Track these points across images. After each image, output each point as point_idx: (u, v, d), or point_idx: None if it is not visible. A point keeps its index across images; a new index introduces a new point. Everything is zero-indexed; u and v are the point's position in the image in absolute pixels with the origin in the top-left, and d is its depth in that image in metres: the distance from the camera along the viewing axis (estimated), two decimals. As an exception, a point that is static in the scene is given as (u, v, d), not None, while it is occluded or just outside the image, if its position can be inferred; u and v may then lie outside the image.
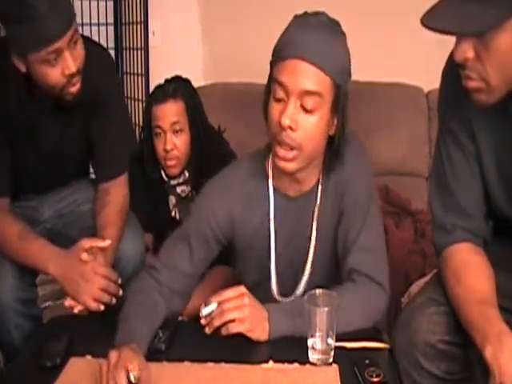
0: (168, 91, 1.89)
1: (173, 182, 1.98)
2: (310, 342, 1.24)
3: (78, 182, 1.85)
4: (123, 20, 2.79)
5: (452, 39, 1.11)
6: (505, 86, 1.11)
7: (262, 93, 1.32)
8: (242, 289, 1.31)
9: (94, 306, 1.45)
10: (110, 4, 2.78)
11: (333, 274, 1.43)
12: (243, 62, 2.73)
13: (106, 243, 1.54)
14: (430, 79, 2.16)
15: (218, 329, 1.29)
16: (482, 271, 1.23)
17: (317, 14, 1.27)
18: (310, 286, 1.39)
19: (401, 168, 2.65)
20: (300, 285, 1.43)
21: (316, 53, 1.22)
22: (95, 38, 2.38)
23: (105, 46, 1.87)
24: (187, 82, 1.98)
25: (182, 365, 1.23)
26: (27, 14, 1.36)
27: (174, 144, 1.89)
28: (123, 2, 2.75)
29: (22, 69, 1.46)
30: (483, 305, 1.15)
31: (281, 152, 1.27)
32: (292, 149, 1.27)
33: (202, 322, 1.31)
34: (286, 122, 1.23)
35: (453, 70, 1.17)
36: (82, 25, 2.33)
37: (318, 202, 1.39)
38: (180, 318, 1.60)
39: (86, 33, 2.38)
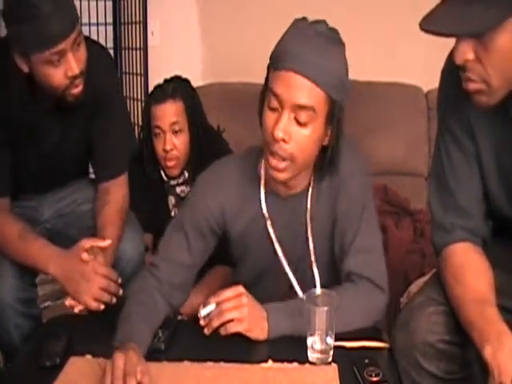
0: (167, 91, 1.89)
1: (172, 183, 1.98)
2: (309, 341, 1.24)
3: (77, 182, 1.85)
4: (122, 20, 2.79)
5: (451, 39, 1.11)
6: (505, 87, 1.11)
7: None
8: (241, 288, 1.31)
9: (94, 305, 1.45)
10: (109, 4, 2.78)
11: (330, 275, 1.43)
12: (242, 61, 2.73)
13: (106, 243, 1.54)
14: (429, 79, 2.16)
15: (218, 329, 1.29)
16: (481, 271, 1.23)
17: (316, 22, 1.25)
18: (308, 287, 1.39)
19: (400, 168, 2.65)
20: (316, 286, 1.41)
21: (311, 66, 1.20)
22: (94, 38, 2.37)
23: (104, 45, 1.87)
24: (186, 81, 1.98)
25: (182, 364, 1.24)
26: (30, 13, 1.36)
27: (174, 144, 1.89)
28: (122, 2, 2.76)
29: (25, 69, 1.46)
30: (482, 304, 1.16)
31: (273, 162, 1.28)
32: (284, 160, 1.27)
33: (201, 322, 1.31)
34: (279, 134, 1.23)
35: (452, 70, 1.17)
36: (81, 25, 2.33)
37: (309, 205, 1.39)
38: (179, 318, 1.60)
39: (85, 33, 2.35)
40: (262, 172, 1.39)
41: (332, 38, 1.25)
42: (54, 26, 1.38)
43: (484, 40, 1.05)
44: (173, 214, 2.00)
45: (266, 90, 1.28)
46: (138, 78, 2.67)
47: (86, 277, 1.46)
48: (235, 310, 1.28)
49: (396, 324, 1.29)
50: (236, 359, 1.24)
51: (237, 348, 1.27)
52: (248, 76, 2.56)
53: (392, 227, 2.21)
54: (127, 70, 2.79)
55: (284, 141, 1.24)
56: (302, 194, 1.39)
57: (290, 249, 1.42)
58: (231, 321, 1.28)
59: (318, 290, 1.27)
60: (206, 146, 1.93)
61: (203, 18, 2.91)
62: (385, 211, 2.33)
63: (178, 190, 1.98)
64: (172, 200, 2.00)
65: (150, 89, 2.04)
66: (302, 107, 1.22)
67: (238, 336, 1.28)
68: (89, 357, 1.25)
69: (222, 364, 1.23)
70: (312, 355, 1.24)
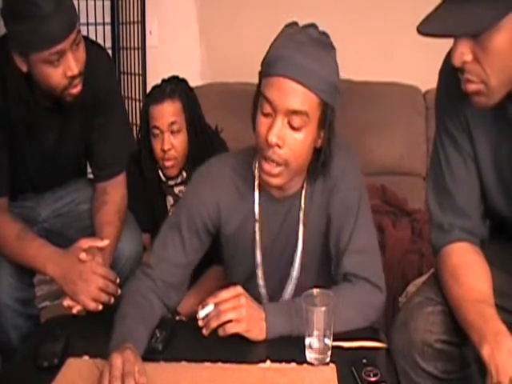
0: (165, 91, 1.89)
1: (170, 183, 1.98)
2: (307, 341, 1.24)
3: (76, 182, 1.85)
4: (120, 19, 2.79)
5: (449, 39, 1.11)
6: (504, 87, 1.11)
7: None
8: (239, 289, 1.31)
9: (92, 305, 1.44)
10: (107, 3, 2.78)
11: (321, 278, 1.42)
12: (241, 61, 2.73)
13: (104, 243, 1.54)
14: (427, 79, 2.16)
15: (216, 330, 1.29)
16: (479, 271, 1.23)
17: (306, 26, 1.26)
18: (297, 290, 1.40)
19: (398, 168, 2.65)
20: (287, 288, 1.43)
21: (304, 72, 1.21)
22: (92, 38, 2.37)
23: (102, 45, 1.87)
24: (184, 82, 1.98)
25: (180, 365, 1.23)
26: (31, 12, 1.35)
27: (172, 144, 1.89)
28: (120, 2, 2.75)
29: (24, 68, 1.46)
30: (480, 304, 1.16)
31: (266, 167, 1.28)
32: (278, 165, 1.27)
33: (200, 324, 1.30)
34: (272, 139, 1.24)
35: (450, 71, 1.17)
36: (80, 24, 2.33)
37: (303, 206, 1.39)
38: (177, 318, 1.60)
39: (83, 32, 2.34)
40: (257, 172, 1.39)
41: (323, 42, 1.25)
42: (55, 26, 1.38)
43: (481, 40, 1.06)
44: (171, 214, 2.00)
45: (258, 95, 1.28)
46: (137, 77, 2.67)
47: (84, 277, 1.46)
48: (233, 310, 1.28)
49: (394, 324, 1.29)
50: (234, 359, 1.24)
51: (235, 348, 1.27)
52: (246, 76, 2.54)
53: (390, 227, 2.21)
54: (125, 70, 2.79)
55: (278, 146, 1.25)
56: (296, 196, 1.40)
57: (279, 253, 1.42)
58: (229, 322, 1.27)
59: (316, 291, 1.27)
60: (204, 146, 1.93)
61: (201, 17, 2.91)
62: (383, 211, 2.33)
63: (176, 190, 1.98)
64: (170, 200, 2.00)
65: (149, 89, 2.03)
66: (295, 112, 1.23)
67: (236, 336, 1.27)
68: (86, 357, 1.25)
69: (220, 364, 1.23)
70: (310, 355, 1.24)
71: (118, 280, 1.50)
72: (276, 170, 1.28)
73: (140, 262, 1.68)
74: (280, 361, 1.24)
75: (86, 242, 1.51)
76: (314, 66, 1.22)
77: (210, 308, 1.29)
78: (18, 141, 1.62)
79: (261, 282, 1.45)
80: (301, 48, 1.22)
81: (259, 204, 1.40)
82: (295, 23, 1.28)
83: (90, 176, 1.89)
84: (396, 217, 2.34)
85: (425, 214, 2.14)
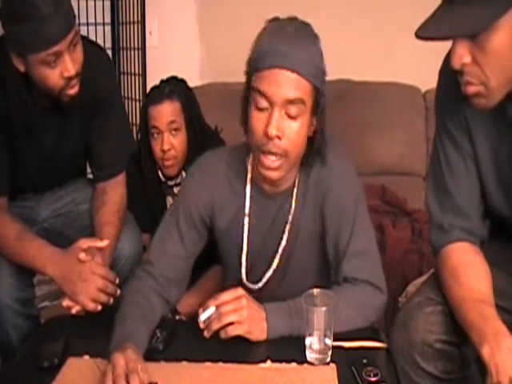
0: (164, 92, 1.89)
1: (170, 183, 1.98)
2: (307, 341, 1.24)
3: (75, 182, 1.85)
4: (120, 20, 2.79)
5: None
6: (504, 88, 1.11)
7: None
8: (240, 291, 1.31)
9: (91, 306, 1.44)
10: (107, 4, 2.78)
11: (313, 276, 1.43)
12: (241, 61, 2.71)
13: (104, 243, 1.54)
14: (427, 79, 2.16)
15: (217, 332, 1.29)
16: (479, 271, 1.23)
17: (289, 19, 1.28)
18: (287, 287, 1.40)
19: (398, 167, 2.65)
20: (267, 273, 1.42)
21: (294, 60, 1.22)
22: (92, 38, 2.37)
23: (102, 45, 1.87)
24: (183, 82, 1.98)
25: (180, 365, 1.24)
26: (30, 14, 1.35)
27: (171, 144, 1.89)
28: (120, 2, 2.75)
29: (21, 68, 1.46)
30: (480, 304, 1.16)
31: (267, 162, 1.28)
32: (278, 157, 1.27)
33: (201, 326, 1.30)
34: (273, 132, 1.24)
35: (450, 71, 1.17)
36: (79, 25, 2.33)
37: (294, 201, 1.39)
38: (177, 318, 1.60)
39: (83, 32, 2.35)
40: (249, 167, 1.39)
41: (307, 32, 1.27)
42: (52, 27, 1.38)
43: (479, 41, 1.06)
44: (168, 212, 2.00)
45: (247, 94, 1.29)
46: (136, 78, 2.67)
47: (83, 277, 1.46)
48: (235, 312, 1.27)
49: (394, 324, 1.29)
50: (234, 359, 1.24)
51: (235, 348, 1.27)
52: (246, 76, 2.55)
53: (390, 227, 2.21)
54: (125, 70, 2.78)
55: (278, 137, 1.25)
56: (288, 192, 1.39)
57: (270, 249, 1.41)
58: (231, 324, 1.27)
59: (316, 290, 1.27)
60: (204, 145, 1.93)
61: (201, 17, 2.90)
62: (383, 211, 2.33)
63: (176, 190, 1.97)
64: (170, 200, 2.00)
65: (148, 89, 2.03)
66: (291, 101, 1.24)
67: (237, 337, 1.27)
68: (87, 357, 1.25)
69: (221, 364, 1.23)
70: (310, 355, 1.24)
71: (117, 280, 1.50)
72: (276, 163, 1.28)
73: (140, 262, 1.69)
74: (280, 361, 1.24)
75: (85, 242, 1.51)
76: (303, 53, 1.23)
77: (211, 310, 1.29)
78: (17, 141, 1.62)
79: (243, 268, 1.43)
80: (287, 38, 1.24)
81: (251, 199, 1.40)
82: (277, 18, 1.30)
83: (90, 176, 1.88)
84: (396, 217, 2.34)
85: (425, 214, 2.14)
